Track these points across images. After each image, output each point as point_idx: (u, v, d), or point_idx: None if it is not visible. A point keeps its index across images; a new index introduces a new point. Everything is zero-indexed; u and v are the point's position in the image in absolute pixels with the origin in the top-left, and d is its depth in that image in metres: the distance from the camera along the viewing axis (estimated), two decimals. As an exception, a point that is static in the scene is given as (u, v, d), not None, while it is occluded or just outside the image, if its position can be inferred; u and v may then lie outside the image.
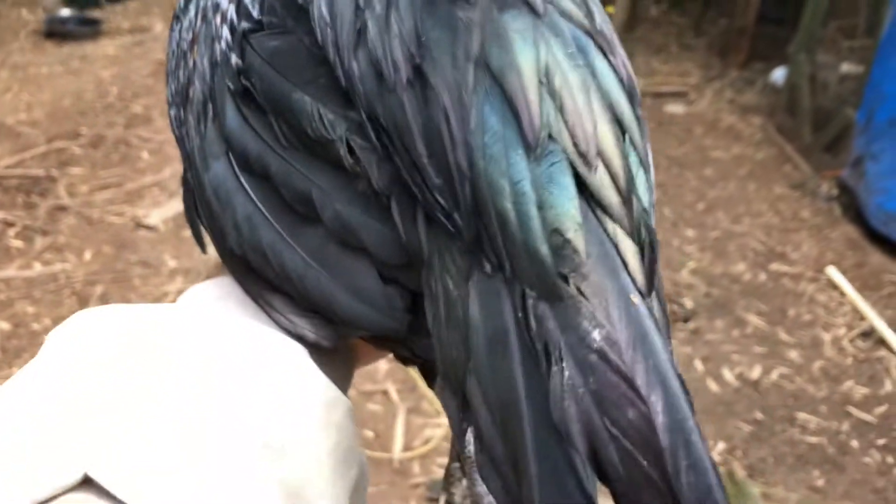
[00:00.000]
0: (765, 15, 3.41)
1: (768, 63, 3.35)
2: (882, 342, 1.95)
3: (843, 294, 2.13)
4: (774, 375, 1.84)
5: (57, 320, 1.88)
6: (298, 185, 0.32)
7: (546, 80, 0.28)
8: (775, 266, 2.26)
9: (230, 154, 0.34)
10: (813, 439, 1.68)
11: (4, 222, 2.18)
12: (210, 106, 0.35)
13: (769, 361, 1.89)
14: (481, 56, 0.28)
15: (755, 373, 1.85)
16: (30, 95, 2.95)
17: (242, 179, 0.33)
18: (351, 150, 0.31)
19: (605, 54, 0.30)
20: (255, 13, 0.34)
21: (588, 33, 0.30)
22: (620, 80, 0.30)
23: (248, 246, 0.33)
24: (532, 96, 0.28)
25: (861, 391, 1.81)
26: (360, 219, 0.31)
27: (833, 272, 2.20)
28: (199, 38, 0.39)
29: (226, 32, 0.35)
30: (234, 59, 0.34)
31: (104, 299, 1.90)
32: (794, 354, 1.92)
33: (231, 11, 0.35)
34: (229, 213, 0.33)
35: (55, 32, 3.53)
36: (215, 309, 0.35)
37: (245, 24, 0.34)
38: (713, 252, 2.30)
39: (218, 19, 0.37)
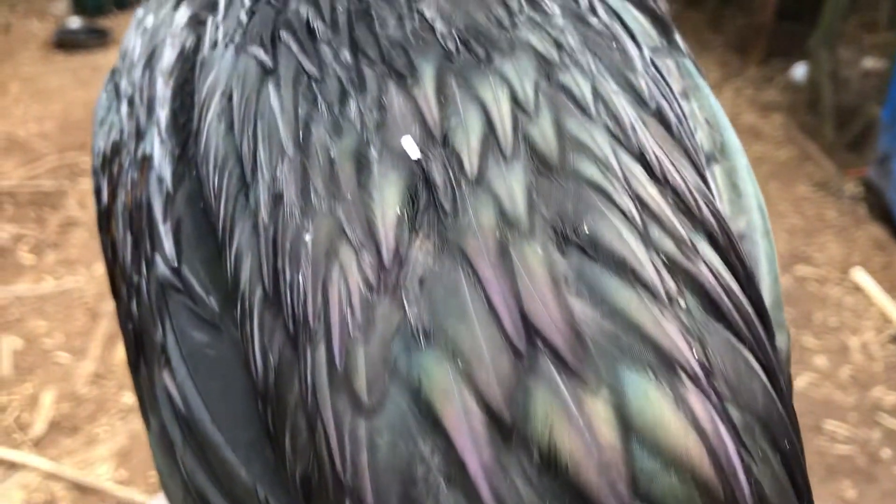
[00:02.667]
0: (783, 10, 3.34)
1: (788, 59, 3.29)
2: (913, 347, 1.89)
3: (870, 296, 2.08)
4: (801, 383, 1.79)
5: (69, 336, 1.87)
6: None
7: None
8: (800, 269, 2.20)
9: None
10: (842, 448, 1.63)
11: (16, 237, 2.17)
12: (142, 339, 0.28)
13: (795, 368, 1.84)
14: None
15: (781, 381, 1.80)
16: (41, 107, 2.94)
17: (191, 487, 0.25)
18: None
19: None
20: (169, 249, 0.27)
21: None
22: None
23: None
24: None
25: (891, 398, 1.76)
26: None
27: (860, 274, 2.15)
28: (115, 210, 0.33)
29: (140, 245, 0.29)
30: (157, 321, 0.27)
31: (116, 315, 1.88)
32: (820, 360, 1.87)
33: (144, 198, 0.29)
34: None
35: (65, 43, 3.53)
36: None
37: (160, 264, 0.27)
38: (735, 255, 2.25)
39: (127, 196, 0.31)
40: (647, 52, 0.31)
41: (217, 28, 0.32)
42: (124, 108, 0.37)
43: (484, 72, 0.25)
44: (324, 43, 0.28)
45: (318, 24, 0.28)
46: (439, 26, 0.27)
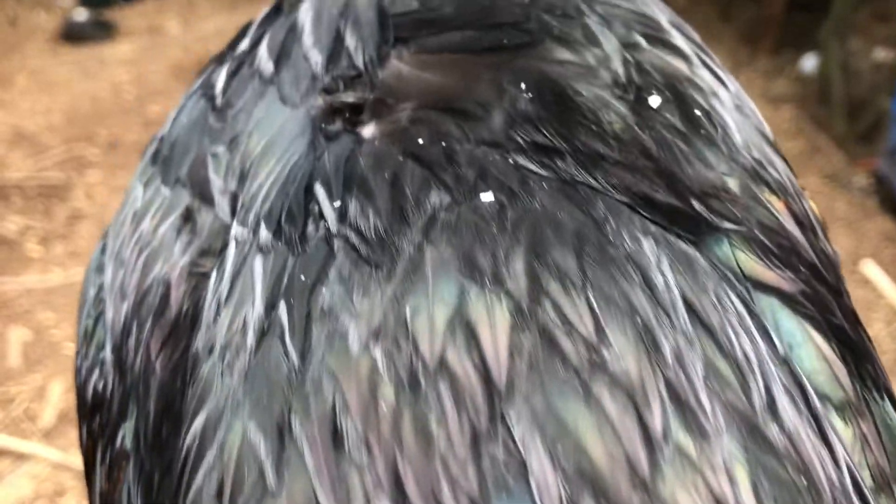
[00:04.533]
0: (794, 1, 3.32)
1: (798, 51, 3.26)
2: (923, 340, 1.88)
3: (880, 289, 2.06)
4: (811, 376, 1.78)
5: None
6: None
7: None
8: (809, 261, 2.19)
9: None
10: (853, 442, 1.62)
11: (24, 229, 2.18)
12: None
13: (805, 361, 1.83)
14: None
15: (791, 374, 1.79)
16: (48, 99, 2.95)
17: None
18: None
19: None
20: None
21: None
22: None
23: None
24: None
25: (902, 391, 1.74)
26: None
27: (869, 267, 2.13)
28: (94, 477, 0.31)
29: None
30: None
31: None
32: (831, 354, 1.86)
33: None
34: None
35: (72, 35, 3.53)
36: None
37: None
38: (744, 248, 2.24)
39: (103, 482, 0.30)
40: (844, 459, 0.23)
41: (217, 312, 0.26)
42: (108, 348, 0.33)
43: None
44: (353, 467, 0.20)
45: (347, 429, 0.21)
46: (536, 463, 0.19)
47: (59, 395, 1.63)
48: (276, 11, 0.39)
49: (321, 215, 0.26)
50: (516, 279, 0.22)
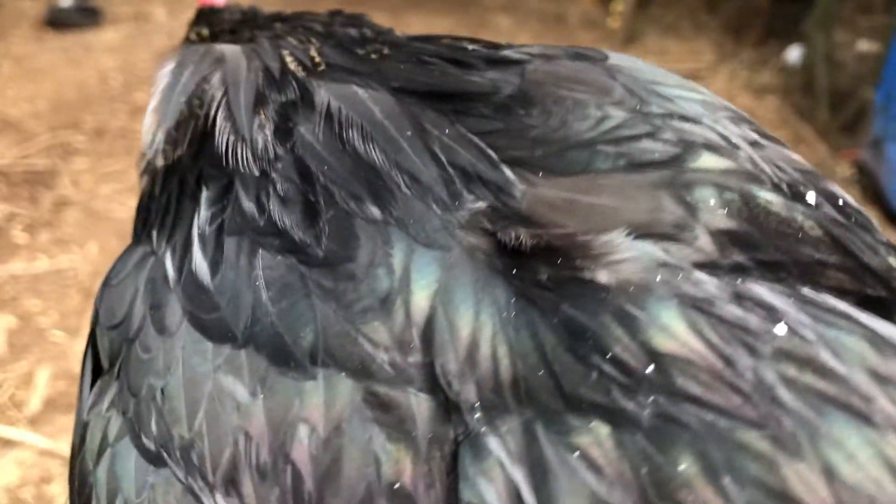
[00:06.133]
0: (779, -8, 3.33)
1: (783, 42, 3.28)
2: (903, 328, 1.90)
3: (861, 278, 2.09)
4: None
5: (64, 315, 1.87)
6: None
7: None
8: (792, 251, 2.21)
9: None
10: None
11: (10, 216, 2.17)
12: None
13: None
14: None
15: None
16: (33, 86, 2.92)
17: None
18: None
19: None
20: None
21: None
22: None
23: None
24: None
25: (882, 378, 1.77)
26: None
27: (851, 256, 2.16)
28: None
29: None
30: None
31: None
32: (812, 341, 1.87)
33: None
34: None
35: (57, 22, 3.50)
36: None
37: None
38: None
39: None
40: None
41: None
42: None
43: None
44: None
45: None
46: None
47: (45, 382, 1.63)
48: (285, 135, 0.33)
49: (627, 388, 0.23)
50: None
